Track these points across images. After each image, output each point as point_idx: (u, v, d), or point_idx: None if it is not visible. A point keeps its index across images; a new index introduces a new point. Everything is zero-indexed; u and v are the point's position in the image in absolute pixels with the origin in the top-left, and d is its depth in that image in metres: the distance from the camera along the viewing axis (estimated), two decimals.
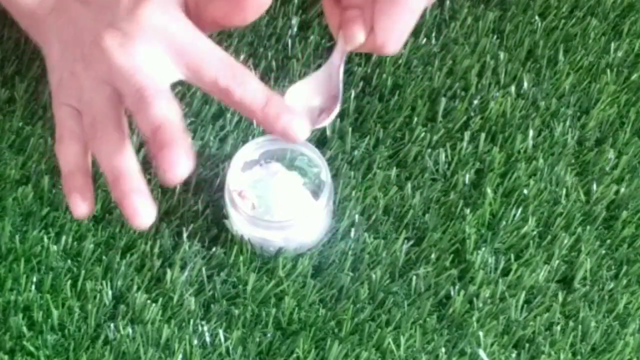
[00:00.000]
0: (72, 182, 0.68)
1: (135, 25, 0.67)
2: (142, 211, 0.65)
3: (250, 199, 0.75)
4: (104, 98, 0.67)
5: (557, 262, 0.77)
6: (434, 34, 0.87)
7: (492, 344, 0.74)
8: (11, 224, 0.76)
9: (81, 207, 0.68)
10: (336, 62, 0.73)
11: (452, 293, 0.76)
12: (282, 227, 0.74)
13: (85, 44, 0.68)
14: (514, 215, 0.79)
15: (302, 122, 0.67)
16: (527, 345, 0.74)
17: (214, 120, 0.82)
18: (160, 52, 0.67)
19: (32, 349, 0.72)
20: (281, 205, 0.75)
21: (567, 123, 0.84)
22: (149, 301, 0.74)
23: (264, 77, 0.84)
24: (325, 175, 0.75)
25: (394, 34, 0.70)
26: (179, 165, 0.63)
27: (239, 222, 0.75)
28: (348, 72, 0.83)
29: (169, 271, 0.75)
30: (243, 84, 0.66)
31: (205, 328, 0.73)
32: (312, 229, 0.76)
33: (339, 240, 0.77)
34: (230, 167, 0.75)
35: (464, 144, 0.81)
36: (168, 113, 0.64)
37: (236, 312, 0.74)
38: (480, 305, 0.75)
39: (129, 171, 0.65)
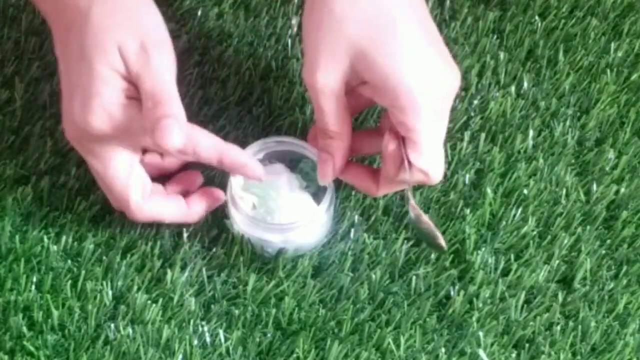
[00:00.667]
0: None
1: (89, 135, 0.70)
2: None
3: (249, 198, 0.75)
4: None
5: (557, 262, 0.77)
6: None
7: (492, 344, 0.74)
8: (11, 224, 0.76)
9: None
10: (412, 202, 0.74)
11: (452, 293, 0.76)
12: (282, 230, 0.74)
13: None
14: (514, 215, 0.79)
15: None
16: (527, 345, 0.74)
17: (214, 120, 0.82)
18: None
19: (32, 349, 0.72)
20: (282, 207, 0.75)
21: (567, 123, 0.84)
22: (149, 301, 0.74)
23: (264, 77, 0.84)
24: None
25: (430, 170, 0.71)
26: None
27: (240, 222, 0.75)
28: None
29: (169, 271, 0.75)
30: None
31: (206, 328, 0.73)
32: (312, 233, 0.76)
33: (339, 241, 0.77)
34: None
35: (464, 144, 0.81)
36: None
37: (236, 312, 0.74)
38: (480, 305, 0.75)
39: None
